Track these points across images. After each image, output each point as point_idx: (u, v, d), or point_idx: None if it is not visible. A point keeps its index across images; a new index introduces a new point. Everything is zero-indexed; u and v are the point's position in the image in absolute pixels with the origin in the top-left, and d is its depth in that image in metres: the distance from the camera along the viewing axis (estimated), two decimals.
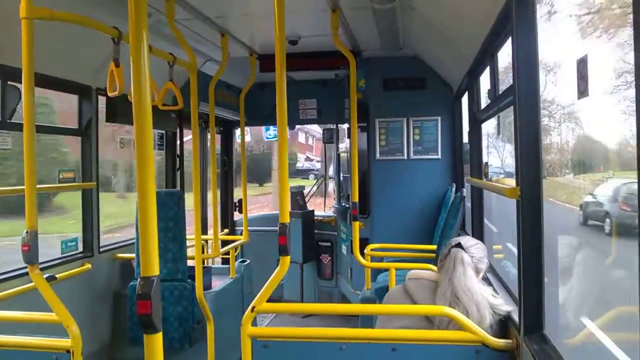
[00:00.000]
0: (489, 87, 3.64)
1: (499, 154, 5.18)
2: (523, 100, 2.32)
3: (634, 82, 1.27)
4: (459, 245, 2.65)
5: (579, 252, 3.20)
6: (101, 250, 4.37)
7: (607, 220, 2.79)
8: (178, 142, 5.50)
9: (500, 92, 3.29)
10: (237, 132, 7.28)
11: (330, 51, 5.00)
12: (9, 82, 3.35)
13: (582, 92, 1.85)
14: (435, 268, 2.85)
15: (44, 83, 3.59)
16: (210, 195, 5.26)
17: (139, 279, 1.79)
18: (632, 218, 2.34)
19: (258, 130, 14.05)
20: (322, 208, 8.51)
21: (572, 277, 3.07)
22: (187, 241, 4.17)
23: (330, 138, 7.67)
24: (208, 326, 3.83)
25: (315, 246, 7.07)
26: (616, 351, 2.34)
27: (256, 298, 2.52)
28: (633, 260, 1.42)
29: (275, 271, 2.48)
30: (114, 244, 4.69)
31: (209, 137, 6.40)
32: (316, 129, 23.76)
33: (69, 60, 3.83)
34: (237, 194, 7.35)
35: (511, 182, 2.71)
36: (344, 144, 7.68)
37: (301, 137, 32.10)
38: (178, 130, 5.45)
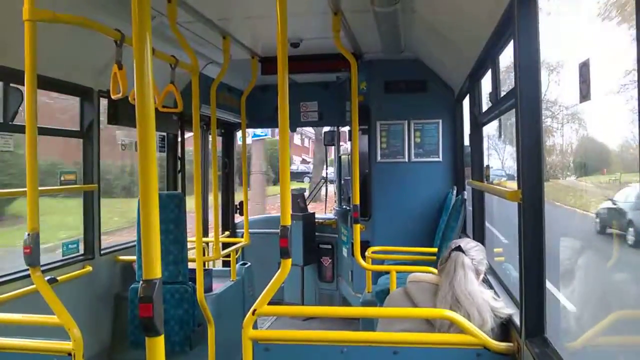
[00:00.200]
0: (491, 90, 3.65)
1: (499, 156, 5.18)
2: (525, 104, 2.32)
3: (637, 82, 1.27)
4: (459, 248, 2.64)
5: (602, 265, 2.89)
6: (102, 252, 4.36)
7: (631, 229, 2.51)
8: (179, 145, 5.51)
9: (502, 95, 3.29)
10: (239, 134, 7.29)
11: (332, 54, 5.01)
12: (11, 84, 3.36)
13: (584, 96, 1.86)
14: (436, 271, 2.86)
15: (46, 85, 3.59)
16: (211, 198, 5.26)
17: (140, 282, 1.78)
18: None
19: None
20: (323, 210, 8.51)
21: (597, 294, 2.80)
22: (188, 244, 4.18)
23: (331, 140, 7.68)
24: (209, 329, 3.82)
25: (316, 249, 7.07)
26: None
27: (257, 301, 2.52)
28: None
29: (276, 274, 2.48)
30: (115, 246, 4.69)
31: (210, 139, 6.40)
32: (311, 130, 23.42)
33: (71, 62, 3.83)
34: (238, 196, 7.37)
35: (513, 186, 2.68)
36: (346, 145, 7.69)
37: (297, 139, 31.72)
38: (179, 132, 5.45)
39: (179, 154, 5.49)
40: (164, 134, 5.34)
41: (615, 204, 2.61)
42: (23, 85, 2.58)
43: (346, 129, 7.01)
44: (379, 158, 5.93)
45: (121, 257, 4.56)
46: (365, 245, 5.04)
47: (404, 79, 5.85)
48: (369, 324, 4.25)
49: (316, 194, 9.82)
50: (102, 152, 4.29)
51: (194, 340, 4.02)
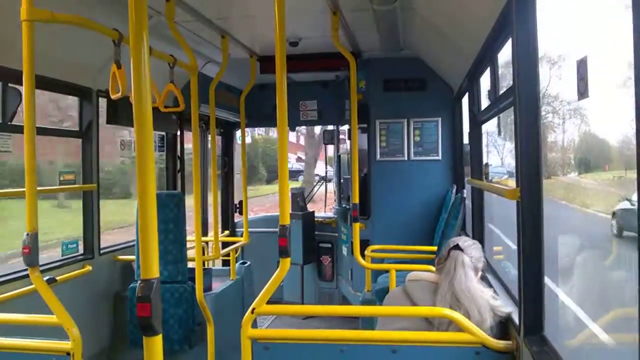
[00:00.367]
0: (489, 88, 3.64)
1: (498, 153, 5.18)
2: (523, 102, 2.32)
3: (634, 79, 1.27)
4: (457, 246, 2.64)
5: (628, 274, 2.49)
6: (102, 252, 4.36)
7: None
8: (179, 144, 5.51)
9: (501, 93, 3.29)
10: (238, 133, 7.29)
11: (331, 52, 5.00)
12: (9, 84, 3.35)
13: (582, 93, 1.85)
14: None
15: (44, 85, 3.59)
16: (210, 197, 5.26)
17: (139, 281, 1.78)
18: None
19: None
20: (319, 210, 8.49)
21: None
22: (188, 243, 4.17)
23: (330, 139, 7.67)
24: (208, 328, 3.83)
25: (315, 248, 7.07)
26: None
27: (256, 300, 2.52)
28: None
29: (276, 273, 2.48)
30: (114, 245, 4.69)
31: (209, 138, 6.40)
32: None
33: (70, 62, 3.83)
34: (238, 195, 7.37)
35: (514, 183, 2.65)
36: (345, 145, 7.68)
37: (292, 137, 31.20)
38: (179, 131, 5.45)
39: (179, 153, 5.49)
40: (163, 133, 5.34)
41: (633, 205, 2.32)
42: (21, 85, 2.58)
43: (345, 127, 7.01)
44: (378, 157, 5.92)
45: (120, 257, 4.56)
46: (364, 244, 5.04)
47: (403, 77, 5.84)
48: (368, 322, 4.25)
49: (312, 196, 9.10)
50: (101, 152, 4.29)
51: (193, 339, 4.02)
